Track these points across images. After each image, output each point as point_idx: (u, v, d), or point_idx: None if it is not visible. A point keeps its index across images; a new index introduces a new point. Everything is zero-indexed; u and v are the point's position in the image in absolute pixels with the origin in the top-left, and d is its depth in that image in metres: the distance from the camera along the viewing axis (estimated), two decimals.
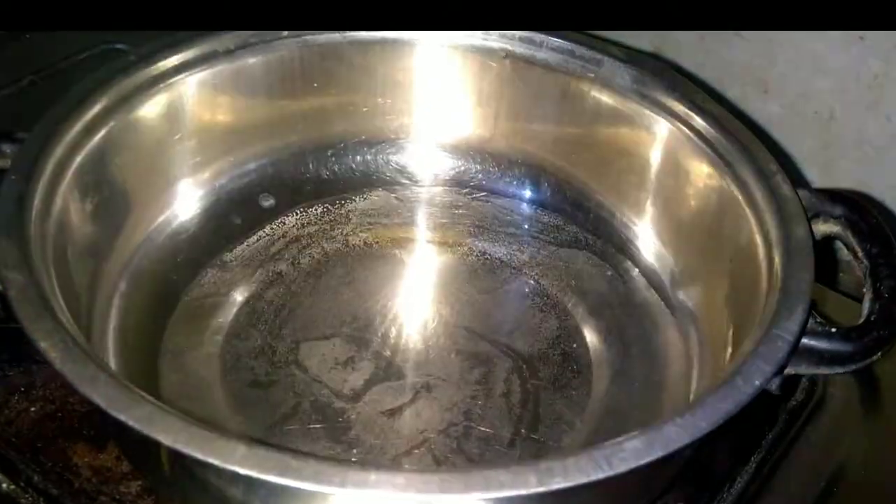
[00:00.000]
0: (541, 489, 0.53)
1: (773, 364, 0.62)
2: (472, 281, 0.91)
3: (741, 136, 0.81)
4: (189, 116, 0.88)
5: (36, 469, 0.71)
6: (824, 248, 0.76)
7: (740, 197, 0.78)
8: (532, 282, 0.91)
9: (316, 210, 0.95)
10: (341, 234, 0.94)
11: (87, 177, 0.78)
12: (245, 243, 0.91)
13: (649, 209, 0.91)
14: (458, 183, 0.99)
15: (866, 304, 0.71)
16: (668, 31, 1.16)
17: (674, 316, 0.86)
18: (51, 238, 0.71)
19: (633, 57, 0.90)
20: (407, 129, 0.99)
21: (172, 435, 0.54)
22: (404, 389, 0.80)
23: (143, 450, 0.66)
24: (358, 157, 0.98)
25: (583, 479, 0.54)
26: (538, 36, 0.91)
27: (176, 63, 0.86)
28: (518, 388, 0.81)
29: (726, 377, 0.61)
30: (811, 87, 1.08)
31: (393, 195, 0.98)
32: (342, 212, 0.95)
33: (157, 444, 0.54)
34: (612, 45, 0.92)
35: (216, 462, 0.53)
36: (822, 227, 0.77)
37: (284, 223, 0.93)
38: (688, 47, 1.15)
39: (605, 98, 0.91)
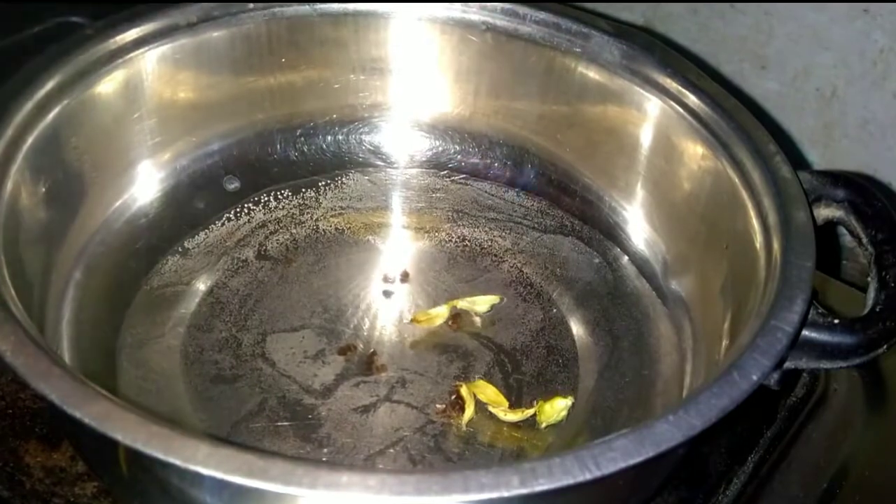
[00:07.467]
0: (524, 491, 0.53)
1: (771, 358, 0.62)
2: (450, 269, 0.91)
3: (737, 114, 0.82)
4: (148, 94, 0.88)
5: None
6: (826, 234, 0.77)
7: (737, 179, 0.79)
8: (515, 270, 0.91)
9: (284, 194, 0.95)
10: (311, 219, 0.93)
11: (40, 158, 0.77)
12: (208, 229, 0.91)
13: (639, 193, 0.91)
14: (435, 164, 0.99)
15: (871, 294, 0.71)
16: (659, 3, 1.16)
17: (666, 306, 0.86)
18: (1, 224, 0.70)
19: (622, 31, 0.90)
20: (381, 108, 0.99)
21: (131, 433, 0.54)
22: (378, 385, 0.80)
23: (99, 449, 0.66)
24: (329, 138, 0.98)
25: (568, 481, 0.54)
26: (521, 8, 0.91)
27: (135, 37, 0.85)
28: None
29: (721, 372, 0.61)
30: (812, 62, 1.09)
31: (366, 178, 0.98)
32: (312, 195, 0.95)
33: (114, 443, 0.54)
34: (599, 18, 0.92)
35: (177, 462, 0.53)
36: (825, 212, 0.77)
37: (250, 208, 0.93)
38: (680, 20, 1.16)
39: (593, 74, 0.91)
